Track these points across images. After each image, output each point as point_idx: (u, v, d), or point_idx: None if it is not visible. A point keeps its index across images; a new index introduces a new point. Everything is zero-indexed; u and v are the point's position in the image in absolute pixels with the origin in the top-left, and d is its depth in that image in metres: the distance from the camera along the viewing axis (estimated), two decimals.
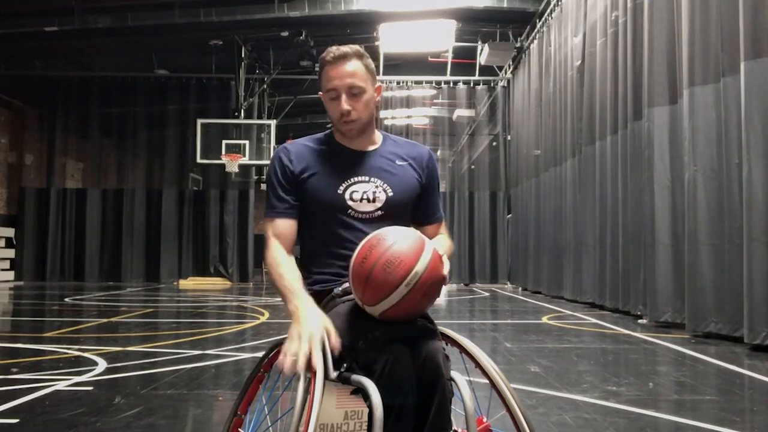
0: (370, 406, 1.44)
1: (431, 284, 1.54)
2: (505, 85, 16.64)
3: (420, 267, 1.51)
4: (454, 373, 1.59)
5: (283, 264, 1.72)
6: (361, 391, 1.49)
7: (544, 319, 8.06)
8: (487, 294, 13.23)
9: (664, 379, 4.41)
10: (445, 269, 1.60)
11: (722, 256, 6.05)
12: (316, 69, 2.01)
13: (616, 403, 3.53)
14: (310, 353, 1.46)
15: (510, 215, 16.23)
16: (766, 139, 5.47)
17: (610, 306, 8.88)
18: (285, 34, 14.19)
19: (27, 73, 16.31)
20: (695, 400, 3.77)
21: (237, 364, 4.79)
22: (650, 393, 3.86)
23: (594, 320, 7.91)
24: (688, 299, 6.45)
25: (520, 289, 14.44)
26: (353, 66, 1.78)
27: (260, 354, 1.83)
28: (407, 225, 1.81)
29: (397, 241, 1.55)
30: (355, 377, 1.49)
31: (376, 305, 1.53)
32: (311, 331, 1.50)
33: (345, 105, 1.78)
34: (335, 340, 1.52)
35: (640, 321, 7.54)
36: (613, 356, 5.35)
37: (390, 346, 1.50)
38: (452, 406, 1.60)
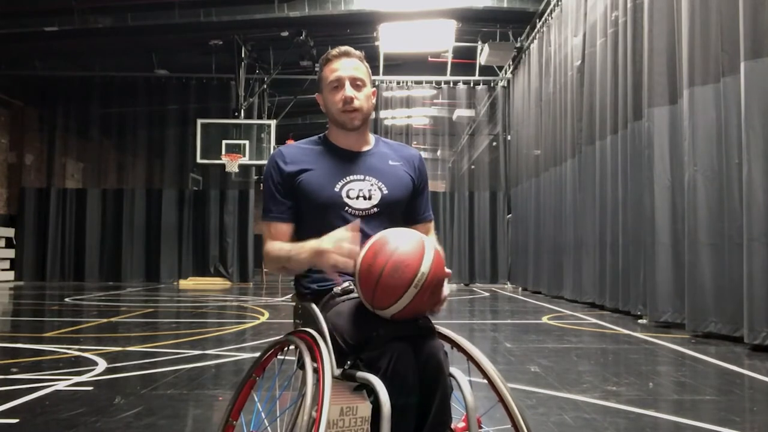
0: (374, 402, 1.48)
1: (437, 282, 1.58)
2: (505, 85, 16.63)
3: (425, 267, 1.55)
4: (453, 370, 1.62)
5: (284, 245, 1.81)
6: (365, 388, 1.52)
7: (544, 319, 8.06)
8: (487, 294, 13.23)
9: (664, 379, 4.41)
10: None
11: (722, 256, 6.05)
12: (316, 69, 2.03)
13: (616, 403, 3.53)
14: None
15: (510, 215, 16.22)
16: (766, 139, 5.47)
17: (610, 306, 8.88)
18: (285, 34, 14.20)
19: (27, 73, 16.30)
20: (695, 400, 3.77)
21: (237, 364, 4.79)
22: (650, 393, 3.86)
23: (594, 320, 7.91)
24: (688, 299, 6.45)
25: (520, 289, 14.44)
26: (356, 62, 1.88)
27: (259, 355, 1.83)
28: (400, 222, 1.87)
29: (399, 244, 1.58)
30: (361, 374, 1.52)
31: (388, 309, 1.56)
32: (335, 237, 1.63)
33: (349, 91, 1.84)
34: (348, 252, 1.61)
35: (640, 321, 7.54)
36: (613, 356, 5.35)
37: (393, 343, 1.54)
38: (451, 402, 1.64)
